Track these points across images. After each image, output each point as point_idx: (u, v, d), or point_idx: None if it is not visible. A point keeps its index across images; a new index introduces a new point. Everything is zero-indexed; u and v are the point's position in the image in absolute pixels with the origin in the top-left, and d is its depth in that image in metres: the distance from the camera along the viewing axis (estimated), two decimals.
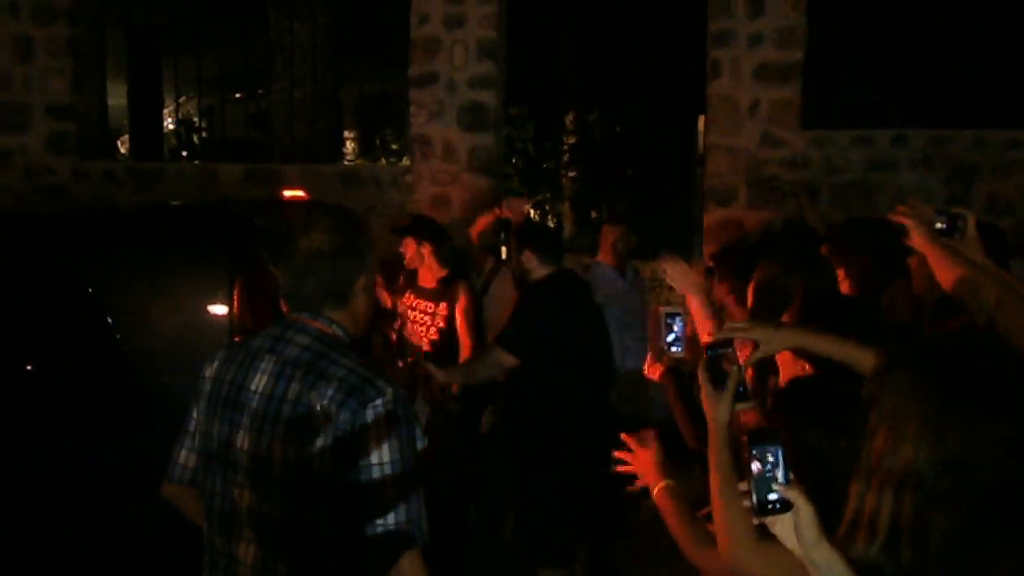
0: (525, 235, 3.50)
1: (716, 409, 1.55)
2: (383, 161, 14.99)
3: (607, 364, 3.51)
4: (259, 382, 1.64)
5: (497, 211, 4.60)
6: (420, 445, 1.62)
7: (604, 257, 4.74)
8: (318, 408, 1.55)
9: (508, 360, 3.23)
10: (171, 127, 11.37)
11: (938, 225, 2.08)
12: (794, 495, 1.19)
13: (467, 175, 5.22)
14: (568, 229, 14.24)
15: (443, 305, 4.11)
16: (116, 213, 3.20)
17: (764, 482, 1.25)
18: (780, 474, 1.26)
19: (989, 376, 1.08)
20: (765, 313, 2.55)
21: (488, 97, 5.22)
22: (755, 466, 1.27)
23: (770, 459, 1.29)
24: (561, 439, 3.21)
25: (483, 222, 4.54)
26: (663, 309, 2.62)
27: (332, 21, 6.11)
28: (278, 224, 3.12)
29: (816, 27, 5.05)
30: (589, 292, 3.62)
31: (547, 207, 14.63)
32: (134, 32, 8.86)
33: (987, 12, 7.05)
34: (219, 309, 2.55)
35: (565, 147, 14.07)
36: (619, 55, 12.65)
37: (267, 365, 1.65)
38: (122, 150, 11.39)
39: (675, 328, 2.54)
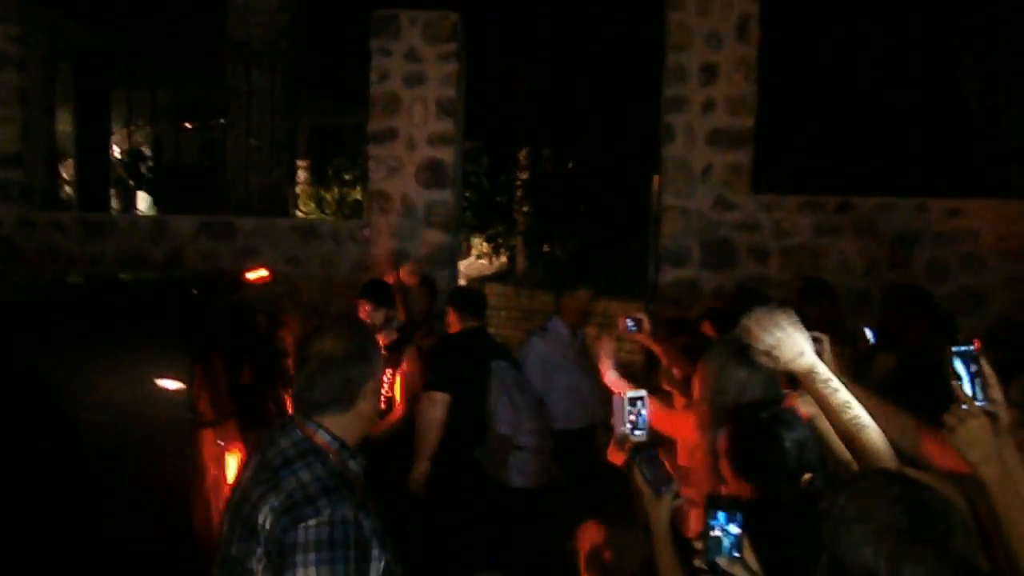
0: (451, 296, 4.02)
1: (657, 510, 1.59)
2: (335, 190, 14.96)
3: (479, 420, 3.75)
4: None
5: (395, 276, 4.60)
6: (378, 565, 1.60)
7: (567, 317, 4.67)
8: (261, 516, 1.57)
9: (442, 398, 3.54)
10: (118, 156, 11.15)
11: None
12: (738, 571, 1.25)
13: (425, 231, 5.24)
14: (520, 263, 14.33)
15: (389, 372, 4.02)
16: (82, 290, 3.11)
17: (716, 544, 1.36)
18: (728, 544, 1.35)
19: None
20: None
21: (446, 154, 5.26)
22: (713, 532, 1.37)
23: (728, 528, 1.37)
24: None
25: None
26: (624, 393, 2.66)
27: (291, 67, 6.09)
28: (240, 310, 3.11)
29: (766, 95, 5.23)
30: (491, 351, 3.89)
31: (500, 240, 14.71)
32: (82, 63, 8.69)
33: (929, 85, 7.40)
34: (178, 396, 2.51)
35: (518, 182, 14.20)
36: (572, 91, 12.85)
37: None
38: (65, 175, 11.10)
39: (640, 411, 2.57)
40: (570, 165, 14.20)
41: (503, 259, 15.09)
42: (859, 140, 5.73)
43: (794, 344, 1.76)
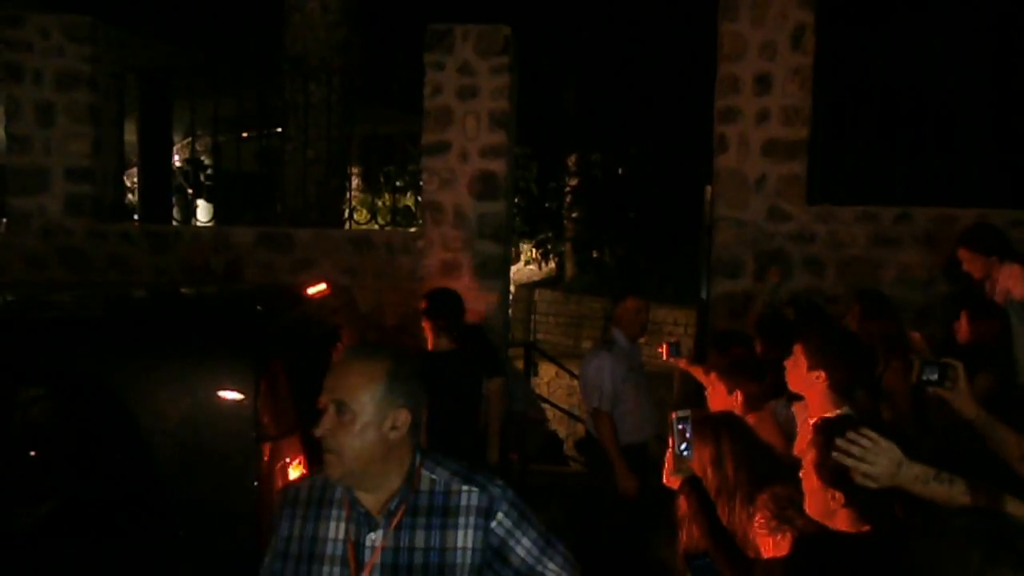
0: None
1: None
2: (386, 196, 15.16)
3: None
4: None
5: None
6: None
7: (627, 329, 4.62)
8: None
9: None
10: (179, 165, 11.49)
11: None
12: None
13: (477, 241, 5.30)
14: (569, 269, 14.33)
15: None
16: (148, 306, 3.24)
17: None
18: None
19: None
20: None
21: (498, 166, 5.31)
22: None
23: None
24: None
25: None
26: (674, 414, 2.65)
27: (346, 80, 6.22)
28: (301, 324, 3.20)
29: (822, 104, 5.16)
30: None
31: (549, 246, 14.73)
32: (146, 77, 8.99)
33: (991, 92, 7.19)
34: (243, 410, 2.60)
35: (568, 188, 14.20)
36: (623, 99, 12.82)
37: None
38: (128, 184, 11.49)
39: (687, 431, 2.58)
40: (620, 171, 14.16)
41: (552, 265, 15.12)
42: (919, 149, 5.60)
43: (888, 461, 1.78)
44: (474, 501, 1.74)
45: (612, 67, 12.49)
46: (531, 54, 6.77)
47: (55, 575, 2.58)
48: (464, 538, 1.72)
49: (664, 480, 2.73)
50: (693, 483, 2.46)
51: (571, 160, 14.23)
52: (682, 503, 2.52)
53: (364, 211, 14.08)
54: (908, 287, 4.95)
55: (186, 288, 4.19)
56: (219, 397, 2.64)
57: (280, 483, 2.66)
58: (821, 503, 1.98)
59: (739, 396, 3.13)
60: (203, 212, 12.12)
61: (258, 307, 3.01)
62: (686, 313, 10.89)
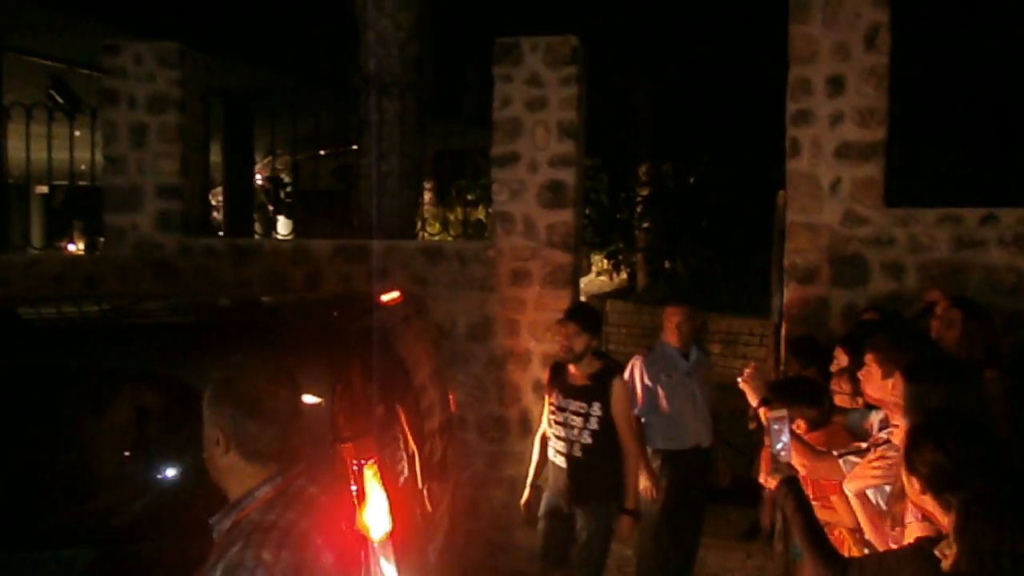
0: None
1: None
2: (458, 210, 15.39)
3: None
4: None
5: None
6: None
7: (668, 337, 4.77)
8: None
9: None
10: (260, 183, 11.98)
11: None
12: None
13: (547, 251, 5.35)
14: (641, 279, 14.24)
15: (597, 406, 3.98)
16: (231, 312, 3.41)
17: None
18: None
19: None
20: None
21: (568, 175, 5.35)
22: None
23: None
24: None
25: None
26: (768, 414, 2.65)
27: (418, 96, 6.38)
28: (375, 330, 3.31)
29: (899, 104, 5.03)
30: None
31: (620, 257, 14.68)
32: (230, 99, 9.42)
33: None
34: (320, 412, 2.70)
35: (639, 198, 14.14)
36: (693, 106, 12.71)
37: None
38: (213, 201, 12.03)
39: (782, 432, 2.57)
40: (691, 180, 14.02)
41: (623, 276, 15.05)
42: (1003, 148, 5.39)
43: None
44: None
45: (682, 74, 12.40)
46: (600, 64, 6.81)
47: (151, 568, 2.72)
48: None
49: (761, 480, 2.78)
50: (791, 483, 2.52)
51: (642, 170, 14.16)
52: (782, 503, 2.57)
53: (436, 224, 14.36)
54: (994, 292, 4.75)
55: (267, 297, 4.37)
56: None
57: (357, 484, 2.76)
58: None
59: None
60: (283, 227, 12.59)
61: (334, 313, 3.13)
62: (762, 323, 10.68)
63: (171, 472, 2.80)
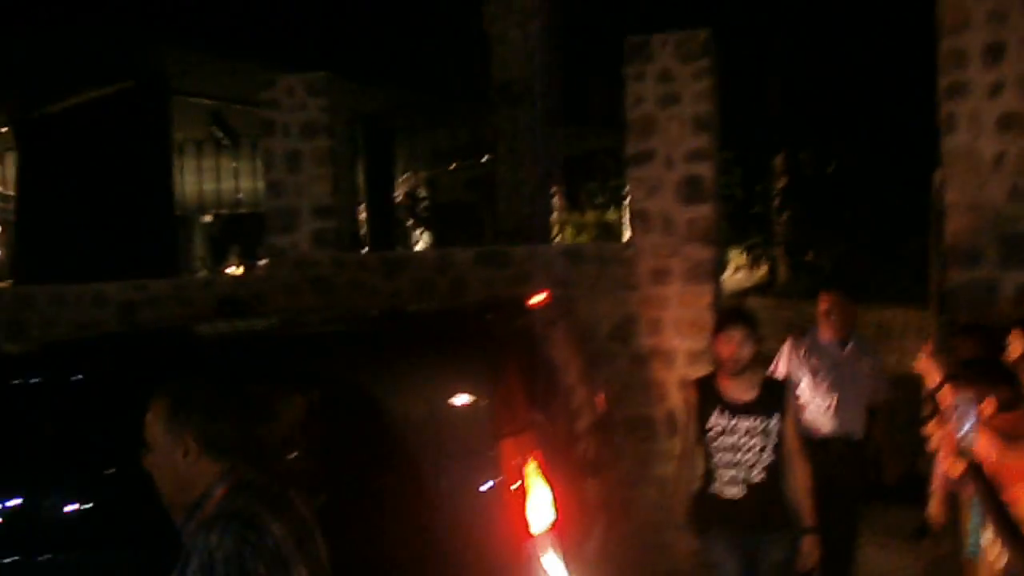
0: None
1: None
2: (588, 213, 15.44)
3: None
4: None
5: None
6: None
7: (820, 325, 4.65)
8: None
9: None
10: (399, 199, 12.54)
11: None
12: None
13: (686, 246, 5.30)
14: (782, 273, 13.74)
15: (776, 418, 3.50)
16: (394, 320, 3.63)
17: None
18: None
19: None
20: None
21: (704, 169, 5.29)
22: None
23: None
24: None
25: None
26: (953, 398, 2.54)
27: (549, 103, 6.50)
28: (527, 332, 3.42)
29: None
30: None
31: (758, 251, 14.23)
32: (370, 121, 9.92)
33: None
34: (484, 415, 2.83)
35: (775, 190, 13.67)
36: (831, 90, 12.15)
37: None
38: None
39: (964, 415, 2.46)
40: (831, 168, 13.41)
41: (762, 271, 14.58)
42: None
43: None
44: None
45: (816, 57, 11.90)
46: (729, 54, 6.68)
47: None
48: None
49: (946, 466, 2.67)
50: (977, 469, 2.45)
51: (777, 160, 13.69)
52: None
53: (570, 228, 14.46)
54: None
55: (426, 305, 4.61)
56: (460, 398, 2.89)
57: (518, 479, 2.85)
58: None
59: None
60: (421, 239, 13.10)
61: (488, 316, 3.26)
62: (917, 313, 10.06)
63: (343, 468, 3.00)
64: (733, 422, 3.51)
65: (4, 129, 9.77)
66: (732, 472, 3.51)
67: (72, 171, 8.20)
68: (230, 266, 14.94)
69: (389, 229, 10.15)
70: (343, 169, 5.98)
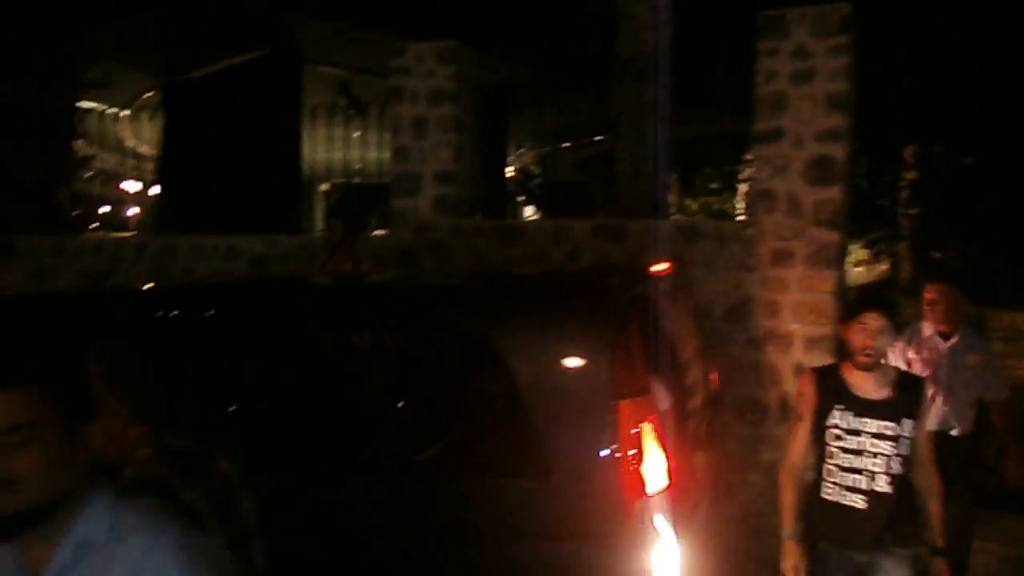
0: None
1: None
2: (703, 198, 15.14)
3: None
4: None
5: None
6: None
7: (925, 316, 4.47)
8: None
9: None
10: (511, 174, 12.66)
11: None
12: None
13: (812, 229, 5.14)
14: (906, 270, 13.08)
15: (910, 422, 3.05)
16: (521, 278, 3.72)
17: None
18: None
19: None
20: None
21: (836, 150, 5.10)
22: None
23: None
24: None
25: None
26: None
27: (672, 79, 6.41)
28: (648, 299, 3.42)
29: None
30: None
31: (881, 246, 13.59)
32: (486, 94, 10.03)
33: None
34: (603, 373, 2.85)
35: (903, 182, 13.00)
36: (975, 79, 11.41)
37: None
38: None
39: None
40: (968, 162, 12.62)
41: (884, 266, 13.92)
42: None
43: None
44: None
45: (963, 41, 11.18)
46: (865, 32, 6.38)
47: (444, 503, 3.03)
48: None
49: None
50: None
51: (908, 151, 12.99)
52: None
53: (683, 213, 14.21)
54: None
55: (547, 268, 4.68)
56: (581, 357, 2.92)
57: (634, 440, 2.87)
58: None
59: None
60: (532, 216, 13.18)
61: (611, 280, 3.28)
62: None
63: (470, 416, 3.10)
64: (859, 422, 3.07)
65: (150, 94, 10.45)
66: (853, 478, 3.08)
67: (210, 132, 8.70)
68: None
69: (501, 202, 10.26)
70: (467, 137, 6.10)
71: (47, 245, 6.34)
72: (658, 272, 3.63)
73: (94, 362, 1.99)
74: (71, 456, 1.43)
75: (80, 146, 8.16)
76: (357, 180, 13.13)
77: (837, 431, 3.11)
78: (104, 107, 8.65)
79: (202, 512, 1.96)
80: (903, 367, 4.27)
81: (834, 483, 3.14)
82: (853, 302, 3.23)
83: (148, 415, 2.03)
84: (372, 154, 8.68)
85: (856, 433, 3.08)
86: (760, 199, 5.28)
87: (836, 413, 3.12)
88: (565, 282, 3.47)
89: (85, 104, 8.20)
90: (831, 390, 3.16)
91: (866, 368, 3.07)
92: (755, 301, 5.27)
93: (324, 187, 16.20)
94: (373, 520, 2.98)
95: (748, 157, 14.32)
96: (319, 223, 16.76)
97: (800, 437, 3.27)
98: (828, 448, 3.14)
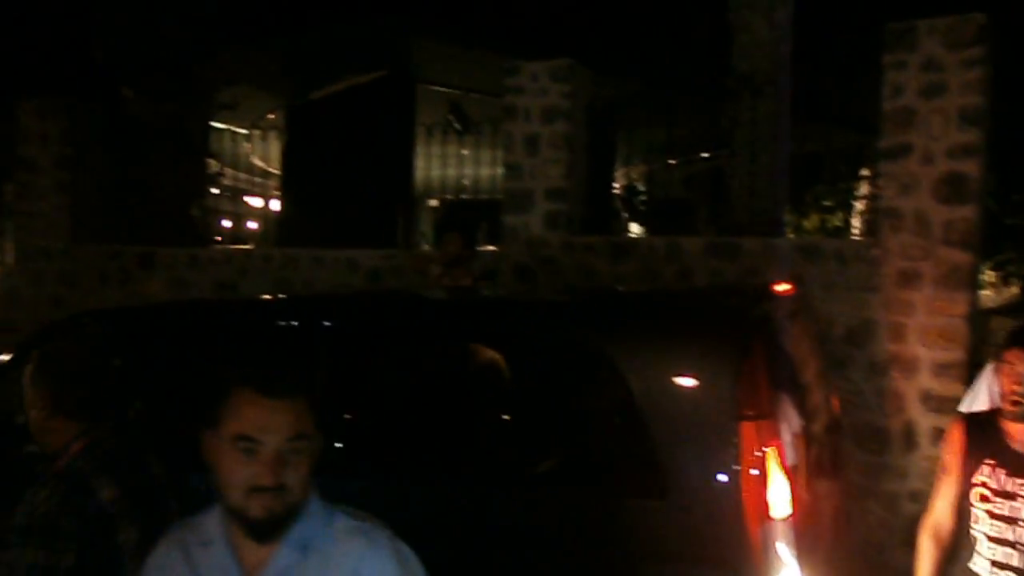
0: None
1: None
2: (815, 217, 14.62)
3: None
4: None
5: None
6: None
7: None
8: None
9: None
10: (616, 191, 12.59)
11: None
12: None
13: (942, 250, 4.90)
14: None
15: None
16: (644, 293, 3.72)
17: None
18: None
19: None
20: None
21: (969, 167, 4.87)
22: None
23: None
24: None
25: None
26: None
27: (790, 95, 6.26)
28: (773, 316, 3.35)
29: None
30: None
31: (1010, 268, 12.73)
32: (594, 110, 10.05)
33: None
34: (726, 393, 2.81)
35: None
36: None
37: None
38: None
39: None
40: None
41: (1013, 290, 13.04)
42: None
43: None
44: None
45: None
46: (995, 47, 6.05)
47: (558, 516, 3.05)
48: None
49: None
50: None
51: None
52: None
53: (794, 234, 13.78)
54: None
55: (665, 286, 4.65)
56: (704, 376, 2.89)
57: (757, 464, 2.80)
58: None
59: None
60: (636, 233, 13.08)
61: (732, 299, 3.22)
62: None
63: (587, 430, 3.11)
64: (1013, 483, 2.60)
65: (273, 115, 11.01)
66: (1004, 552, 2.62)
67: (328, 150, 9.10)
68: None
69: (607, 219, 10.23)
70: (578, 154, 6.14)
71: (183, 257, 6.76)
72: (782, 292, 3.55)
73: (29, 361, 2.21)
74: None
75: (210, 164, 8.72)
76: (463, 196, 13.41)
77: (985, 491, 2.65)
78: (231, 127, 9.20)
79: (115, 512, 2.04)
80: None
81: (980, 554, 2.67)
82: (1009, 339, 2.73)
83: (73, 411, 2.14)
84: (478, 171, 8.88)
85: (1009, 497, 2.59)
86: (886, 217, 5.09)
87: (985, 469, 2.66)
88: (686, 300, 3.44)
89: (216, 124, 8.71)
90: (982, 441, 2.70)
91: (1016, 418, 2.62)
92: (878, 323, 5.07)
93: (432, 203, 16.57)
94: (483, 530, 3.01)
95: (865, 174, 13.74)
96: (427, 237, 17.15)
97: (944, 494, 2.81)
98: (974, 511, 2.69)
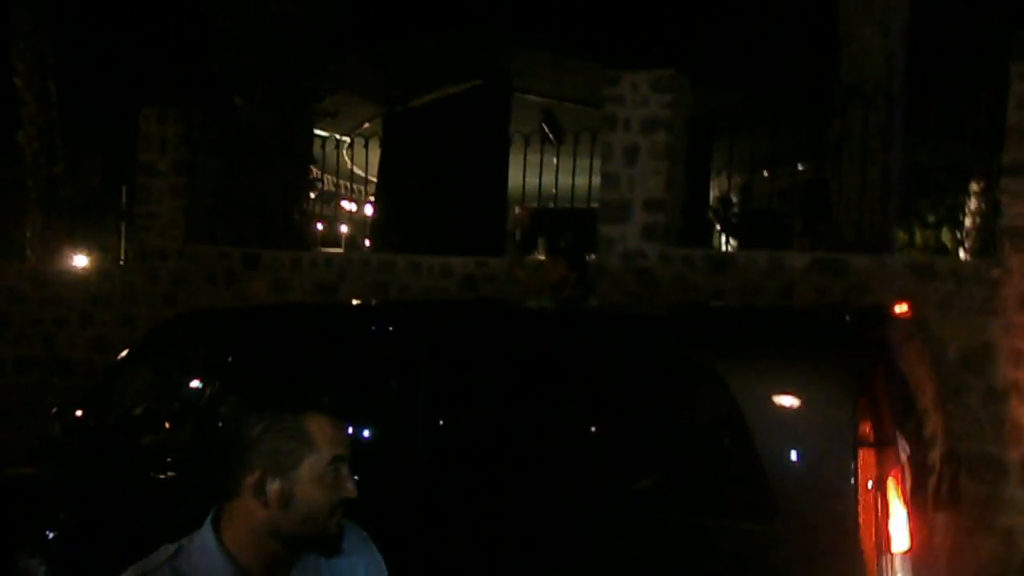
0: None
1: None
2: (918, 233, 14.01)
3: None
4: None
5: None
6: None
7: None
8: None
9: None
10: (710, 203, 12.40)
11: None
12: None
13: None
14: None
15: None
16: (756, 312, 3.62)
17: None
18: None
19: None
20: None
21: None
22: None
23: None
24: None
25: None
26: None
27: (904, 105, 6.01)
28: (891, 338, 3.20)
29: None
30: None
31: None
32: (693, 118, 9.91)
33: None
34: (844, 418, 2.69)
35: None
36: None
37: None
38: None
39: None
40: None
41: None
42: None
43: None
44: None
45: None
46: None
47: (658, 535, 2.98)
48: None
49: None
50: None
51: None
52: None
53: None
54: None
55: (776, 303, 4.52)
56: (819, 398, 2.78)
57: (877, 498, 2.67)
58: None
59: None
60: (729, 246, 12.81)
61: (847, 318, 3.10)
62: None
63: (692, 449, 3.04)
64: None
65: (366, 125, 11.29)
66: None
67: (424, 158, 9.26)
68: (537, 257, 15.76)
69: (702, 231, 10.07)
70: (677, 165, 6.04)
71: (286, 259, 6.98)
72: (900, 313, 3.39)
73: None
74: None
75: (311, 170, 9.03)
76: (551, 204, 13.43)
77: None
78: (331, 134, 9.48)
79: None
80: None
81: None
82: None
83: None
84: (568, 180, 8.87)
85: None
86: (1007, 236, 4.81)
87: None
88: (799, 319, 3.32)
89: (318, 132, 9.00)
90: None
91: None
92: (998, 348, 4.79)
93: (518, 210, 16.64)
94: (584, 546, 2.98)
95: (974, 189, 13.08)
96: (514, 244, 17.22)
97: None
98: None
